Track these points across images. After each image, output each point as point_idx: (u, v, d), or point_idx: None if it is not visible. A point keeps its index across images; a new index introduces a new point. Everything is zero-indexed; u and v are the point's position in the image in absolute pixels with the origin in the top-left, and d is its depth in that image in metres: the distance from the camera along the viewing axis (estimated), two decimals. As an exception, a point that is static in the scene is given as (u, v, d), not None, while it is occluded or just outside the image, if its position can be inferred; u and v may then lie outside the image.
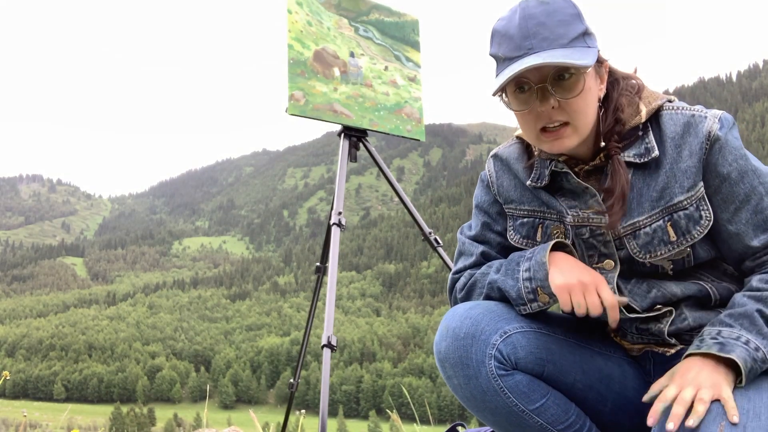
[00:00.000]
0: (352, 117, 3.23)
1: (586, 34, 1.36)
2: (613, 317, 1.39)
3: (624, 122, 1.42)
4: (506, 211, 1.60)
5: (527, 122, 1.39)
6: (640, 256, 1.42)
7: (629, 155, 1.41)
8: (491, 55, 1.42)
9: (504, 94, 1.41)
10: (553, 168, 1.47)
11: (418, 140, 3.50)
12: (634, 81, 1.47)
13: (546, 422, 1.44)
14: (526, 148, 1.57)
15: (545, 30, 1.33)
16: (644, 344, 1.52)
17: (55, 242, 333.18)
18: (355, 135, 3.21)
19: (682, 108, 1.42)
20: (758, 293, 1.34)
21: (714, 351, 1.27)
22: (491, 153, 1.65)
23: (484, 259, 1.61)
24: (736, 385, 1.27)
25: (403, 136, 3.43)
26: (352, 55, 3.34)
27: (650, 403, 1.44)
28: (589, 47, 1.36)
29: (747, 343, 1.27)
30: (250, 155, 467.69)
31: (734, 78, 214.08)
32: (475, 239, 1.64)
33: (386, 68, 3.45)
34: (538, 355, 1.43)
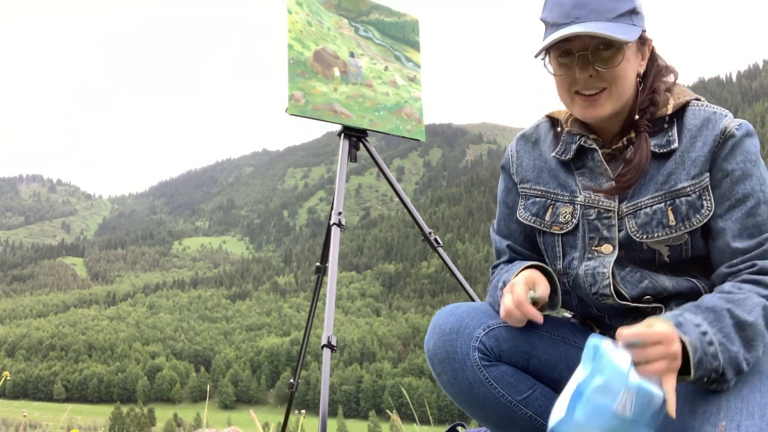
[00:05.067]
0: (352, 117, 3.23)
1: (633, 12, 1.40)
2: (524, 312, 1.40)
3: (658, 104, 1.46)
4: (520, 190, 1.62)
5: (564, 85, 1.45)
6: (638, 235, 1.44)
7: (651, 144, 1.45)
8: (541, 19, 1.47)
9: (547, 59, 1.47)
10: (581, 143, 1.51)
11: (418, 140, 3.49)
12: (672, 74, 1.52)
13: (535, 413, 1.45)
14: (554, 124, 1.61)
15: (595, 2, 1.37)
16: None
17: (55, 242, 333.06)
18: (355, 135, 3.21)
19: (707, 106, 1.46)
20: (730, 295, 1.33)
21: (671, 322, 1.26)
22: (517, 135, 1.69)
23: (512, 252, 1.67)
24: (685, 379, 1.25)
25: (403, 136, 3.43)
26: (352, 55, 3.34)
27: None
28: (634, 25, 1.40)
29: (704, 334, 1.26)
30: (250, 155, 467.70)
31: (734, 78, 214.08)
32: (501, 234, 1.70)
33: (386, 68, 3.45)
34: (521, 348, 1.46)
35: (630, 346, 1.21)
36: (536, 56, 1.46)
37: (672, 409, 1.19)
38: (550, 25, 1.43)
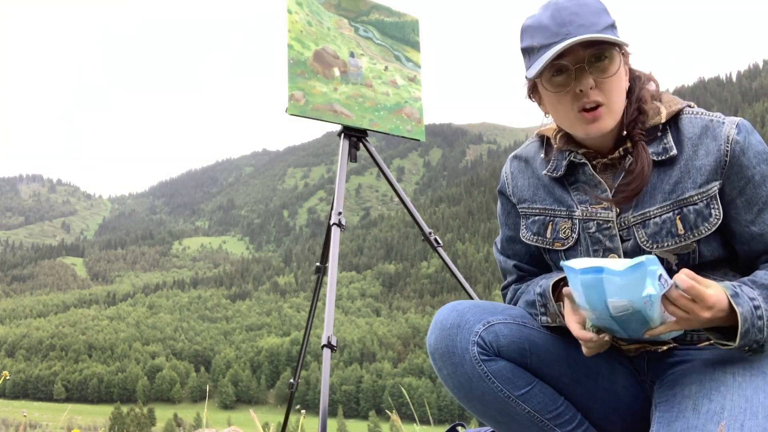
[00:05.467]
0: (352, 117, 3.23)
1: (613, 26, 1.44)
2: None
3: (647, 113, 1.48)
4: (519, 211, 1.64)
5: (564, 104, 1.44)
6: (648, 245, 1.45)
7: (649, 152, 1.47)
8: (523, 49, 1.47)
9: (538, 83, 1.48)
10: (571, 159, 1.53)
11: (418, 140, 3.49)
12: (653, 83, 1.53)
13: (533, 410, 1.47)
14: (544, 143, 1.63)
15: (579, 18, 1.40)
16: (640, 344, 1.54)
17: (55, 242, 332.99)
18: (355, 135, 3.21)
19: (702, 113, 1.48)
20: None
21: (728, 292, 1.29)
22: (510, 156, 1.71)
23: (519, 271, 1.69)
24: (728, 345, 1.32)
25: (403, 136, 3.43)
26: (352, 55, 3.34)
27: (640, 402, 1.54)
28: (617, 37, 1.43)
29: (757, 308, 1.30)
30: (250, 155, 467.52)
31: (734, 78, 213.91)
32: (505, 254, 1.72)
33: (386, 68, 3.45)
34: (520, 345, 1.48)
35: (675, 284, 1.27)
36: (533, 78, 1.44)
37: (655, 332, 1.28)
38: (537, 49, 1.43)
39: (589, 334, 1.35)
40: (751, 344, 1.30)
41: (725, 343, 1.31)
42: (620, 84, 1.44)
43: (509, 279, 1.71)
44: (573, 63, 1.40)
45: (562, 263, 1.30)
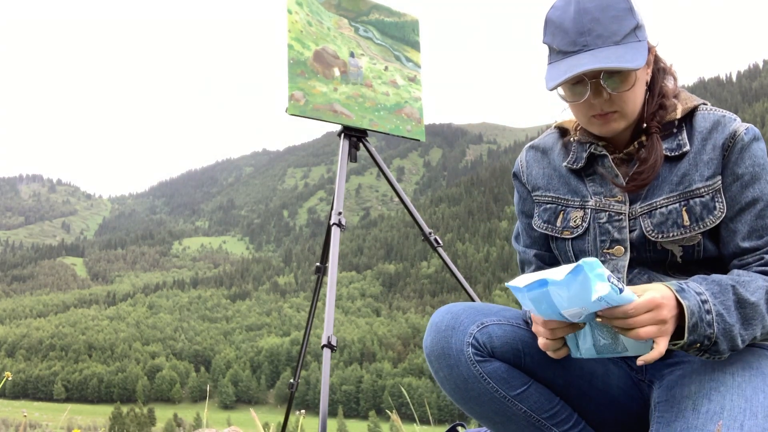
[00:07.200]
0: (352, 117, 3.23)
1: (637, 27, 1.41)
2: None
3: (667, 108, 1.50)
4: (534, 199, 1.66)
5: (580, 110, 1.47)
6: (653, 235, 1.46)
7: (663, 147, 1.48)
8: (545, 42, 1.48)
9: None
10: (591, 150, 1.54)
11: (418, 140, 3.49)
12: (672, 77, 1.55)
13: (530, 409, 1.47)
14: (562, 135, 1.64)
15: (599, 27, 1.38)
16: None
17: (55, 242, 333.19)
18: (355, 135, 3.21)
19: (715, 110, 1.50)
20: (737, 276, 1.38)
21: (673, 287, 1.29)
22: (526, 146, 1.71)
23: (539, 261, 1.68)
24: (676, 344, 1.29)
25: (403, 136, 3.43)
26: (352, 55, 3.34)
27: (636, 402, 1.54)
28: (639, 41, 1.41)
29: (704, 302, 1.29)
30: (250, 155, 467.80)
31: (734, 78, 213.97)
32: (525, 244, 1.71)
33: (386, 68, 3.45)
34: (513, 346, 1.47)
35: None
36: (550, 90, 1.45)
37: (645, 360, 1.24)
38: (556, 52, 1.44)
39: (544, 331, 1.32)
40: (702, 340, 1.29)
41: (675, 342, 1.29)
42: (635, 93, 1.44)
43: (528, 270, 1.70)
44: (590, 76, 1.41)
45: (507, 284, 1.28)
